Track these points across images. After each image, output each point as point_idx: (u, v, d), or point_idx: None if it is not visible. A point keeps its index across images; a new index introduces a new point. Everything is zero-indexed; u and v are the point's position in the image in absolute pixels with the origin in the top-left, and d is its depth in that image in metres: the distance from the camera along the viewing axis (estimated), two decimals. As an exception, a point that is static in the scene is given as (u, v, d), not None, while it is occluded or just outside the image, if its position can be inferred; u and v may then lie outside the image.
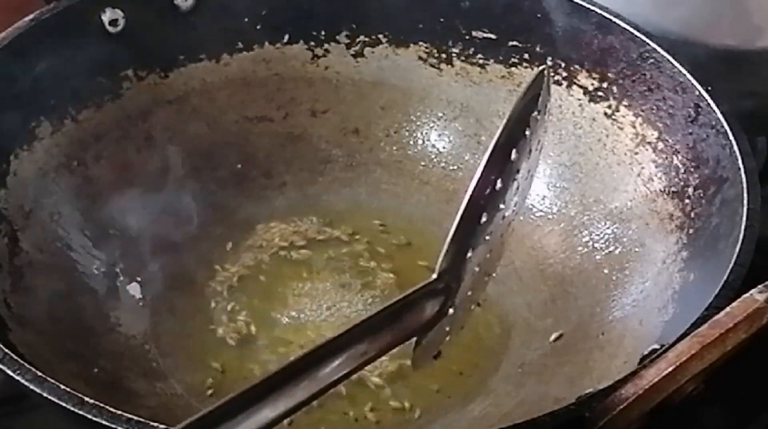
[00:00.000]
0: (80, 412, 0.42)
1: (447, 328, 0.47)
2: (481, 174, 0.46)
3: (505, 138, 0.46)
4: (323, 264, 0.64)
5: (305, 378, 0.41)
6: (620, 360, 0.54)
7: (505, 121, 0.46)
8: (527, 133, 0.47)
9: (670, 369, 0.42)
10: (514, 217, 0.49)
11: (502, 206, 0.47)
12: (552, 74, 0.66)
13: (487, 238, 0.47)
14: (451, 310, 0.46)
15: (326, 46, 0.70)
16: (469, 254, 0.46)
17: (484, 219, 0.46)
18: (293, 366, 0.40)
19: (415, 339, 0.46)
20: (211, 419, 0.38)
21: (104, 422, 0.42)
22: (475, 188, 0.46)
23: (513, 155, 0.46)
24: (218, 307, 0.62)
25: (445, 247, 0.45)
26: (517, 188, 0.48)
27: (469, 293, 0.47)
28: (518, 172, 0.47)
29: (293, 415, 0.41)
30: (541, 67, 0.48)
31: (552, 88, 0.65)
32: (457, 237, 0.46)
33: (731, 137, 0.56)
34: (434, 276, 0.45)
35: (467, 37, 0.68)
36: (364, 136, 0.70)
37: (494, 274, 0.51)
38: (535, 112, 0.47)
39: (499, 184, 0.46)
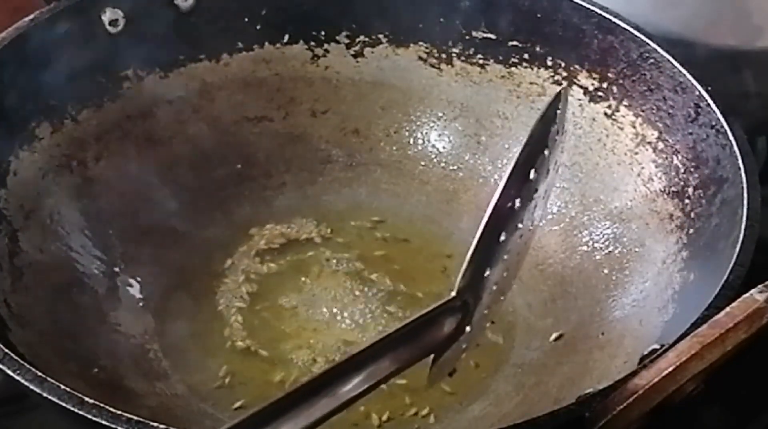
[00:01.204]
0: (80, 412, 0.42)
1: (463, 346, 0.47)
2: (501, 193, 0.46)
3: (525, 157, 0.47)
4: (324, 264, 0.64)
5: (325, 394, 0.41)
6: (620, 360, 0.54)
7: (525, 140, 0.47)
8: (546, 152, 0.47)
9: (670, 369, 0.42)
10: (530, 236, 0.49)
11: (520, 226, 0.47)
12: (552, 74, 0.66)
13: (505, 256, 0.47)
14: (468, 328, 0.46)
15: (326, 46, 0.70)
16: (487, 273, 0.47)
17: (502, 238, 0.47)
18: (314, 382, 0.41)
19: (432, 356, 0.46)
20: None
21: (104, 422, 0.42)
22: (495, 207, 0.46)
23: (532, 175, 0.47)
24: (218, 306, 0.62)
25: (464, 265, 0.46)
26: (535, 207, 0.48)
27: (485, 311, 0.48)
28: (536, 191, 0.47)
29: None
30: (560, 88, 0.48)
31: (555, 89, 0.66)
32: (476, 255, 0.46)
33: (731, 137, 0.56)
34: (453, 294, 0.45)
35: (467, 37, 0.68)
36: (364, 136, 0.70)
37: (509, 292, 0.51)
38: (554, 132, 0.47)
39: (518, 204, 0.47)
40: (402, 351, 0.44)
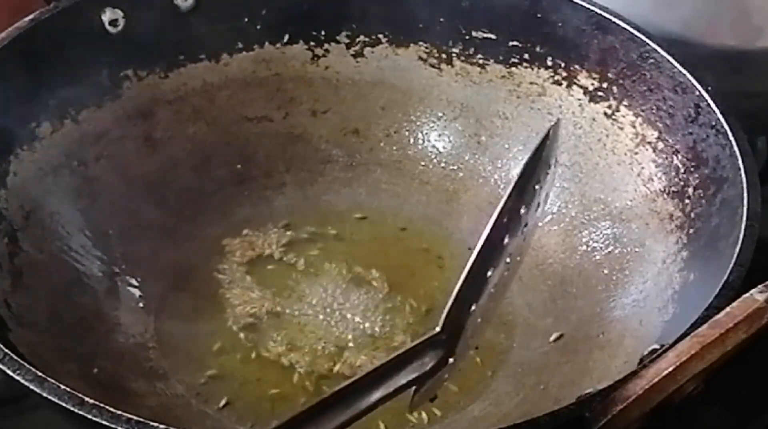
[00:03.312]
0: (80, 412, 0.42)
1: (446, 376, 0.47)
2: (492, 228, 0.46)
3: (517, 193, 0.47)
4: (323, 265, 0.64)
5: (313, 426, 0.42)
6: (620, 360, 0.54)
7: (517, 176, 0.47)
8: (537, 187, 0.48)
9: (670, 369, 0.42)
10: (516, 267, 0.49)
11: (508, 260, 0.47)
12: (552, 74, 0.66)
13: (491, 290, 0.47)
14: (451, 360, 0.47)
15: (326, 46, 0.70)
16: (473, 307, 0.47)
17: (489, 273, 0.47)
18: (301, 415, 0.42)
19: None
20: None
21: (104, 422, 0.42)
22: (484, 243, 0.46)
23: (522, 210, 0.47)
24: (218, 307, 0.62)
25: (450, 301, 0.46)
26: (524, 240, 0.48)
27: (469, 341, 0.48)
28: (526, 225, 0.48)
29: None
30: (550, 125, 0.48)
31: (555, 89, 0.66)
32: (463, 291, 0.46)
33: (731, 137, 0.56)
34: (437, 329, 0.46)
35: (467, 37, 0.68)
36: (364, 136, 0.70)
37: (492, 319, 0.51)
38: (545, 166, 0.48)
39: (507, 239, 0.47)
40: (385, 383, 0.44)
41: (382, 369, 0.44)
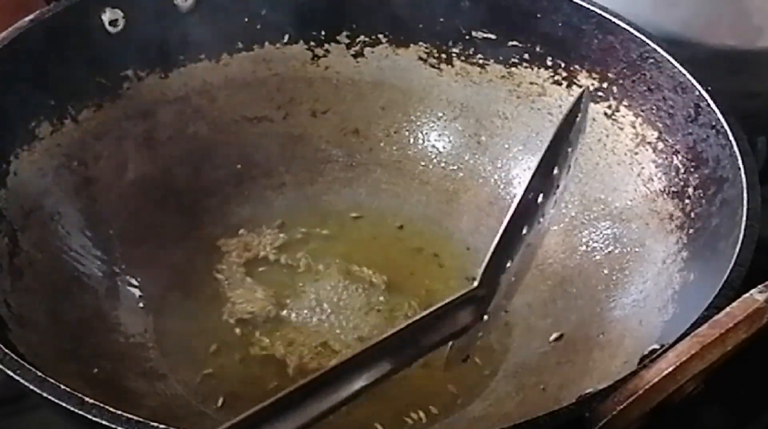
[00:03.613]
0: (80, 412, 0.42)
1: (479, 334, 0.49)
2: (527, 188, 0.48)
3: (550, 154, 0.48)
4: (323, 265, 0.64)
5: (352, 377, 0.43)
6: (620, 360, 0.54)
7: (551, 137, 0.48)
8: (569, 149, 0.49)
9: (670, 369, 0.42)
10: (548, 229, 0.51)
11: (541, 220, 0.49)
12: (552, 74, 0.66)
13: (525, 248, 0.49)
14: (485, 317, 0.48)
15: (326, 46, 0.70)
16: (509, 264, 0.49)
17: (524, 231, 0.49)
18: (341, 366, 0.43)
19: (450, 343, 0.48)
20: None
21: (104, 422, 0.42)
22: (520, 201, 0.48)
23: (555, 171, 0.49)
24: (218, 306, 0.62)
25: (488, 256, 0.48)
26: (555, 202, 0.50)
27: (503, 301, 0.50)
28: (558, 186, 0.49)
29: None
30: (582, 88, 0.51)
31: (555, 89, 0.66)
32: (500, 247, 0.48)
33: (731, 137, 0.56)
34: (475, 284, 0.47)
35: (467, 37, 0.68)
36: (364, 136, 0.70)
37: (523, 282, 0.53)
38: (576, 130, 0.49)
39: (540, 198, 0.49)
40: (425, 337, 0.46)
41: (420, 323, 0.45)
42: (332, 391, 0.43)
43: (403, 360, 0.45)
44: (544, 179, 0.49)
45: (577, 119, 0.49)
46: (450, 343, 0.48)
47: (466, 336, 0.48)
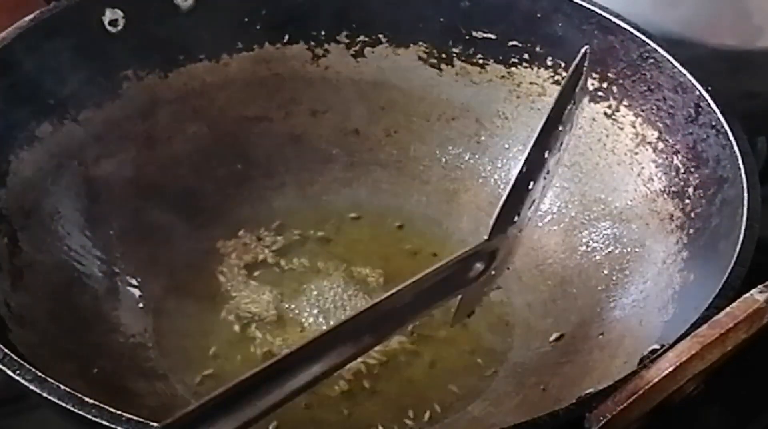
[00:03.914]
0: (80, 412, 0.42)
1: (485, 289, 0.51)
2: (535, 142, 0.49)
3: (556, 111, 0.50)
4: (323, 265, 0.64)
5: (369, 325, 0.44)
6: (620, 360, 0.54)
7: (556, 96, 0.50)
8: (572, 106, 0.50)
9: (670, 369, 0.42)
10: (549, 185, 0.52)
11: (545, 176, 0.50)
12: (552, 74, 0.66)
13: (530, 205, 0.50)
14: (492, 272, 0.50)
15: (326, 46, 0.69)
16: (516, 218, 0.50)
17: (531, 186, 0.50)
18: (366, 312, 0.44)
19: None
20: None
21: (104, 422, 0.42)
22: (528, 156, 0.49)
23: (560, 128, 0.50)
24: (218, 306, 0.62)
25: (497, 211, 0.49)
26: (558, 160, 0.51)
27: (508, 257, 0.51)
28: (562, 143, 0.51)
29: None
30: (584, 48, 0.50)
31: (555, 89, 0.66)
32: (508, 202, 0.49)
33: (731, 137, 0.56)
34: (485, 237, 0.49)
35: (467, 37, 0.68)
36: (364, 136, 0.70)
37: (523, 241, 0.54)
38: (579, 88, 0.51)
39: (546, 154, 0.50)
40: (436, 288, 0.47)
41: (429, 276, 0.47)
42: (352, 340, 0.44)
43: (415, 312, 0.47)
44: (549, 136, 0.50)
45: (581, 77, 0.50)
46: (459, 298, 0.50)
47: (474, 290, 0.50)
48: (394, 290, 0.45)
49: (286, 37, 0.69)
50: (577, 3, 0.64)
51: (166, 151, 0.66)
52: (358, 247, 0.65)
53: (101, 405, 0.42)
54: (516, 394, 0.57)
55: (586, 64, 0.50)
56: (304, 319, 0.61)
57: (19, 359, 0.45)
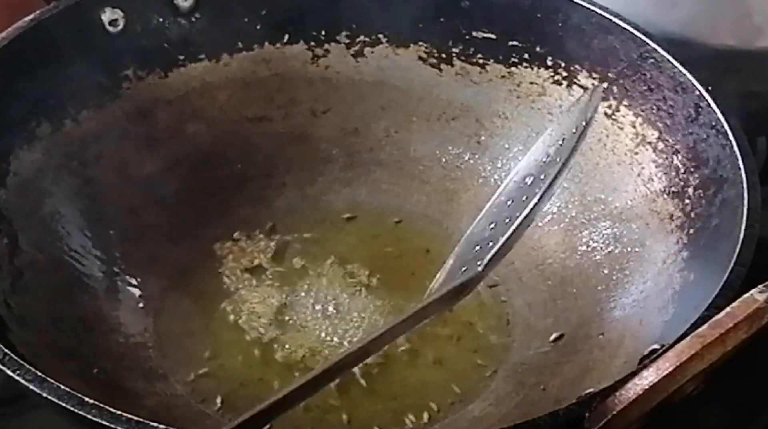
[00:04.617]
0: (80, 412, 0.42)
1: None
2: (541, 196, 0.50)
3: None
4: (323, 265, 0.64)
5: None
6: (620, 360, 0.54)
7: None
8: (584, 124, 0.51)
9: (670, 369, 0.42)
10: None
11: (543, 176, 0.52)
12: (552, 74, 0.66)
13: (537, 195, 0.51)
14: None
15: (326, 46, 0.69)
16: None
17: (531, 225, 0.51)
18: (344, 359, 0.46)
19: None
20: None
21: (104, 422, 0.42)
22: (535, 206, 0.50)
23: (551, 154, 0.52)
24: (218, 307, 0.62)
25: (496, 248, 0.49)
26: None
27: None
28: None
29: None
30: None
31: (555, 89, 0.66)
32: (510, 240, 0.50)
33: (731, 137, 0.56)
34: (479, 269, 0.49)
35: (467, 37, 0.68)
36: (364, 136, 0.70)
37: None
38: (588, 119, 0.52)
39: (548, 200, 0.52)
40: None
41: (424, 312, 0.48)
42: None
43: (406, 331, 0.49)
44: (555, 184, 0.51)
45: (589, 112, 0.51)
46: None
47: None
48: (391, 325, 0.47)
49: (286, 37, 0.69)
50: (577, 3, 0.64)
51: (166, 151, 0.66)
52: (358, 247, 0.65)
53: (101, 405, 0.42)
54: (516, 394, 0.57)
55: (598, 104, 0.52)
56: (304, 319, 0.61)
57: (19, 359, 0.45)
